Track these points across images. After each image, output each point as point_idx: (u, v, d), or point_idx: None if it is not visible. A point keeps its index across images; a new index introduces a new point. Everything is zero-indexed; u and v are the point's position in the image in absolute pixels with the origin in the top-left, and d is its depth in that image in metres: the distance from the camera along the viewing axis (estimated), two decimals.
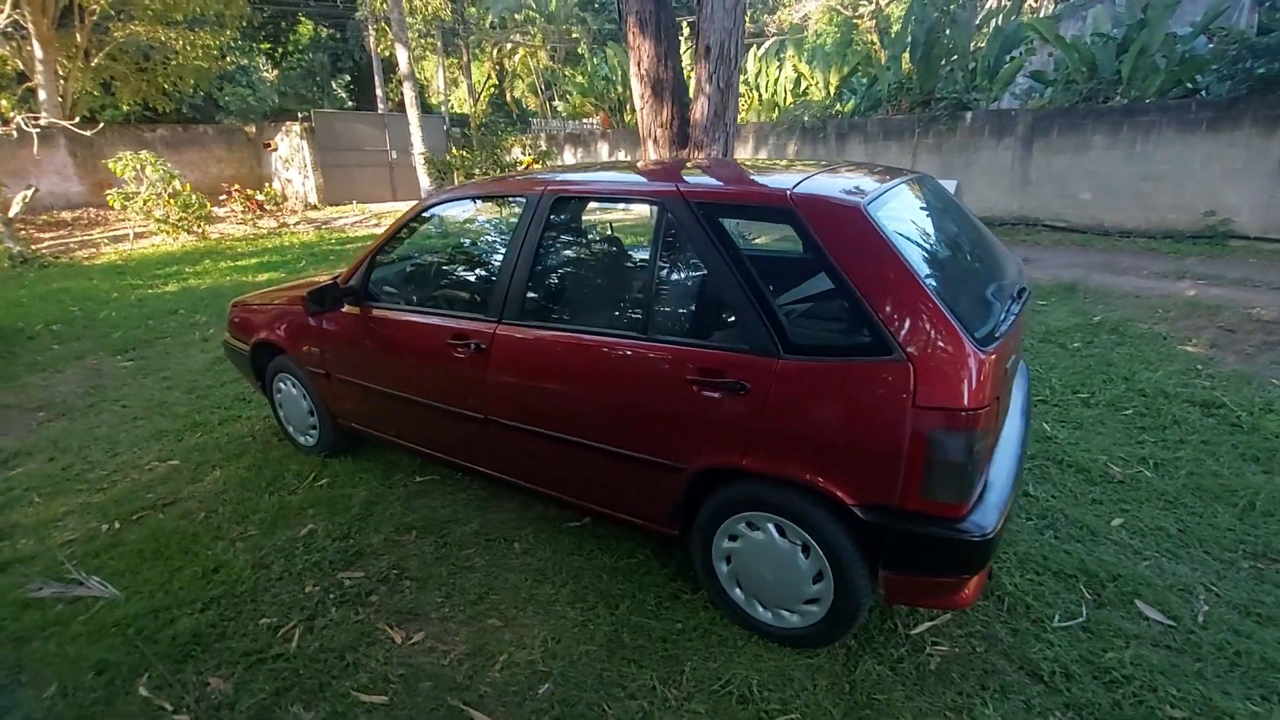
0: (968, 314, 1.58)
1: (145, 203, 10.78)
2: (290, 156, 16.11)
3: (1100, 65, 8.56)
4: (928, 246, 1.83)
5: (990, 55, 9.92)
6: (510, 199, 2.46)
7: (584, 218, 2.70)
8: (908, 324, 1.54)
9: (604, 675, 1.91)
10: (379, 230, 12.32)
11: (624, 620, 2.10)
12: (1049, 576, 2.23)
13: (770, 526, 1.85)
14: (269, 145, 16.40)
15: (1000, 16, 10.94)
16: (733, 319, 1.79)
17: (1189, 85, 8.07)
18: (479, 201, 2.63)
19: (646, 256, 2.07)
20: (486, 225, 2.90)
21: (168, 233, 11.13)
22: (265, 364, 3.30)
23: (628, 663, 1.94)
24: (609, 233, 2.96)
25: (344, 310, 2.75)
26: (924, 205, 2.02)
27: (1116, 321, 4.83)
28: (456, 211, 2.73)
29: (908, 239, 1.70)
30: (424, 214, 2.63)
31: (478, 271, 2.74)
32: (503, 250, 2.30)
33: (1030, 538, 2.43)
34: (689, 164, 2.64)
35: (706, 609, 2.13)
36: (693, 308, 1.97)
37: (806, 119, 11.75)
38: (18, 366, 5.04)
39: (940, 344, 1.51)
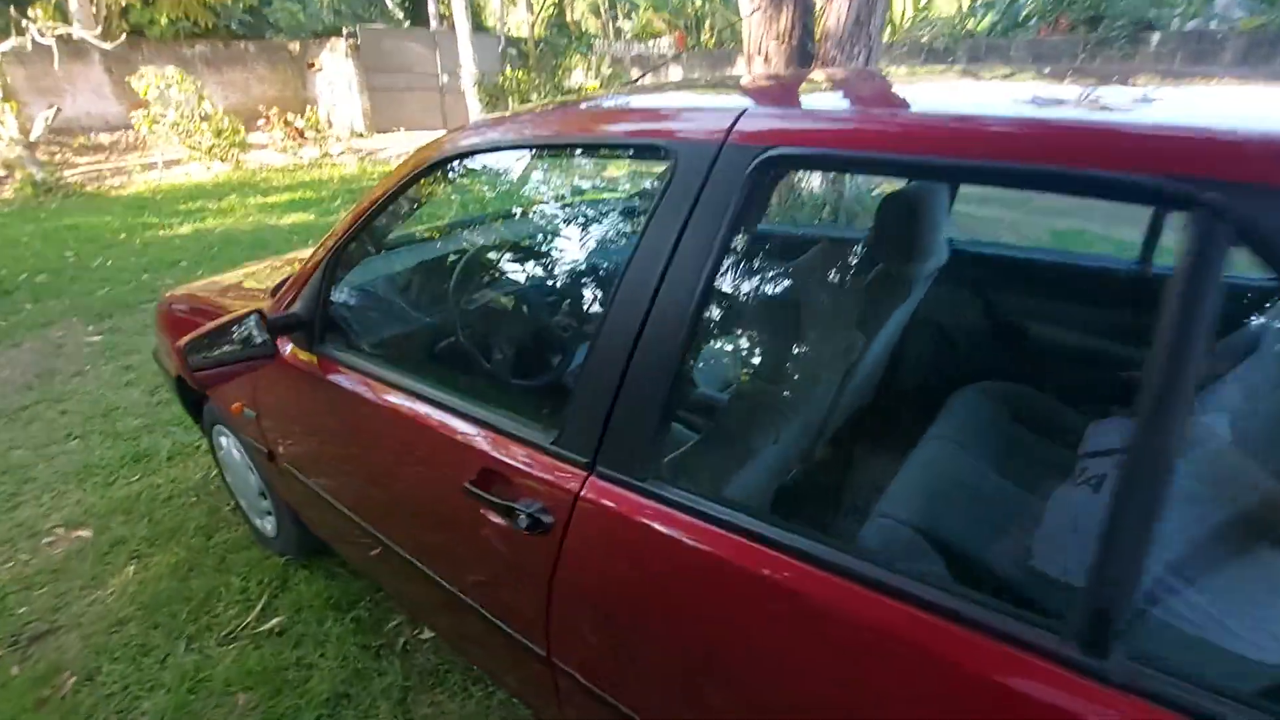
0: None
1: (175, 126, 9.75)
2: (335, 78, 14.81)
3: None
4: None
5: None
6: (617, 152, 1.06)
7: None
8: None
9: None
10: None
11: None
12: None
13: None
14: (312, 65, 15.11)
15: None
16: None
17: None
18: (535, 155, 1.24)
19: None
20: (560, 216, 1.51)
21: (199, 160, 10.12)
22: (200, 399, 2.09)
23: None
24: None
25: (286, 355, 1.46)
26: None
27: None
28: (490, 172, 1.37)
29: None
30: (425, 176, 1.27)
31: (540, 325, 1.38)
32: (605, 284, 0.95)
33: None
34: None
35: None
36: None
37: (928, 39, 9.68)
38: None
39: None
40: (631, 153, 1.01)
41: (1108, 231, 5.22)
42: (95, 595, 2.00)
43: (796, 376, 1.01)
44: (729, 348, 1.12)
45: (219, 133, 10.27)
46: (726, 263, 0.82)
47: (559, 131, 1.14)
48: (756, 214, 0.82)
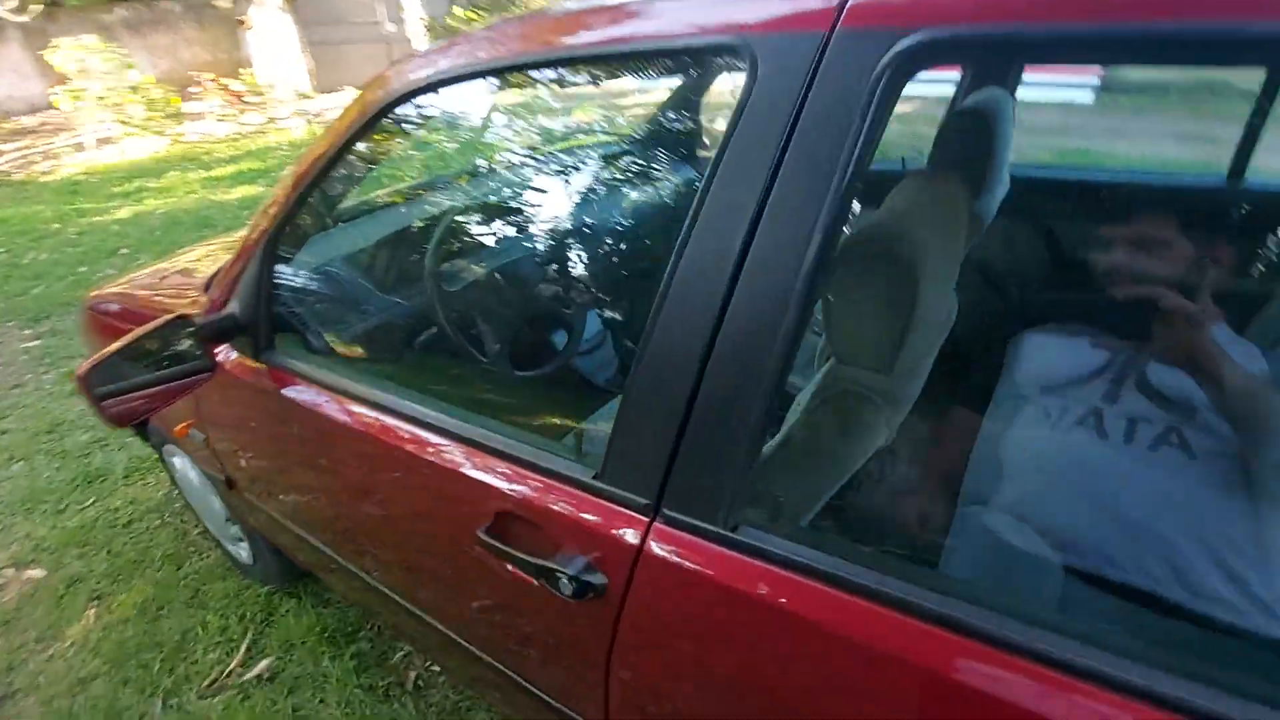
0: None
1: (101, 100, 8.96)
2: (270, 35, 13.74)
3: None
4: None
5: None
6: (654, 61, 0.73)
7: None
8: None
9: None
10: None
11: None
12: None
13: None
14: (243, 22, 14.01)
15: None
16: None
17: None
18: (525, 79, 0.90)
19: None
20: (572, 162, 1.19)
21: (134, 136, 9.36)
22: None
23: None
24: None
25: (230, 363, 1.17)
26: None
27: None
28: (463, 113, 1.06)
29: None
30: (375, 123, 0.95)
31: (555, 308, 1.09)
32: (653, 250, 0.73)
33: None
34: None
35: None
36: None
37: None
38: None
39: None
40: (678, 61, 0.71)
41: (1111, 148, 4.95)
42: (54, 649, 1.74)
43: (902, 357, 0.76)
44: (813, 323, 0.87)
45: (151, 103, 9.49)
46: (843, 209, 0.54)
47: (553, 43, 0.83)
48: (880, 135, 0.55)
